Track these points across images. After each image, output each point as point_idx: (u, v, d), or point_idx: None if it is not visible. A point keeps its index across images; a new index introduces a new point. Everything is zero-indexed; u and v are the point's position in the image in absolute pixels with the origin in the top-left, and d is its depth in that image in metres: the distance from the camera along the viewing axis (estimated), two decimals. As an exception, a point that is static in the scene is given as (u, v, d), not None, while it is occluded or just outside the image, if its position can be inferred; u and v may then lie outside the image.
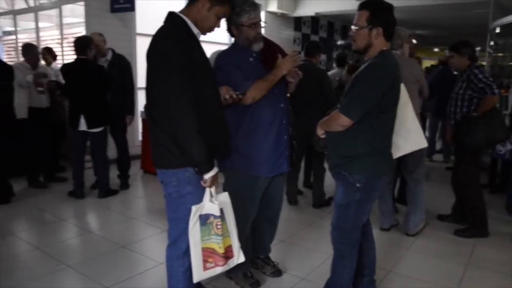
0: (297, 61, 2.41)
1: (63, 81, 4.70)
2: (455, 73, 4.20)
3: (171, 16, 2.00)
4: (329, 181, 4.12)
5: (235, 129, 2.41)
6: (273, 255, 3.01)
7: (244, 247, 2.22)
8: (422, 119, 4.84)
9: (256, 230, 2.82)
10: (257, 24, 2.42)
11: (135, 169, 5.53)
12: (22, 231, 3.81)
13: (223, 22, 2.16)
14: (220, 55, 2.57)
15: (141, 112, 5.79)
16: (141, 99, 6.14)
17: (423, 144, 2.48)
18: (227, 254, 2.05)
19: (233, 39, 2.56)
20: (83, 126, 4.39)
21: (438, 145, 7.19)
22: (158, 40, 1.92)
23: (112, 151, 4.96)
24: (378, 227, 3.74)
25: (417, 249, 3.47)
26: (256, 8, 2.42)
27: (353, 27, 2.19)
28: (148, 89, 1.97)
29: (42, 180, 5.13)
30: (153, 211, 4.27)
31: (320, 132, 2.32)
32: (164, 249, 2.18)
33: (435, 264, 3.20)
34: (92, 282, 2.82)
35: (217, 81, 2.16)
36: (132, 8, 5.83)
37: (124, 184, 4.99)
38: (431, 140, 6.61)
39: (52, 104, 5.11)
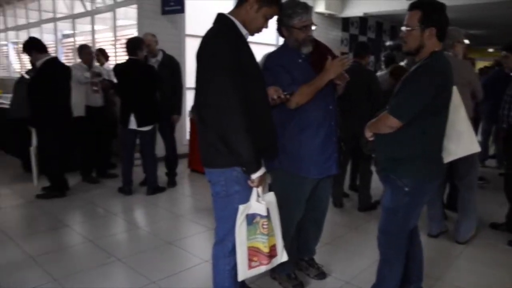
0: (345, 64, 2.38)
1: (115, 81, 4.89)
2: (511, 74, 4.01)
3: (220, 17, 2.03)
4: (375, 184, 4.04)
5: (282, 129, 2.42)
6: (317, 258, 3.00)
7: (288, 248, 2.23)
8: (475, 123, 4.65)
9: (301, 232, 2.82)
10: (308, 27, 2.42)
11: (182, 167, 5.66)
12: (76, 223, 4.00)
13: (271, 23, 2.17)
14: (269, 56, 2.59)
15: (189, 111, 5.91)
16: (189, 99, 6.26)
17: (476, 149, 2.38)
18: (272, 253, 2.06)
19: (281, 40, 2.58)
20: (133, 124, 4.54)
21: (492, 150, 6.88)
22: (208, 41, 1.96)
23: (160, 150, 5.10)
24: (426, 233, 3.63)
25: (467, 258, 3.34)
26: (308, 10, 2.42)
27: (404, 28, 2.14)
28: (198, 89, 2.00)
29: (95, 175, 5.36)
30: (199, 209, 4.35)
31: (369, 134, 2.28)
32: (209, 247, 2.22)
33: (486, 274, 3.07)
34: (139, 275, 2.92)
35: (266, 81, 2.18)
36: (182, 10, 5.97)
37: (172, 182, 5.12)
38: (484, 145, 6.34)
39: (106, 103, 5.34)
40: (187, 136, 6.16)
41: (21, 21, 9.66)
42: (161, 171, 5.05)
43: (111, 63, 6.40)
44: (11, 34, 10.41)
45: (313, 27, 2.45)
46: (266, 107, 2.12)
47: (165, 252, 3.32)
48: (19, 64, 10.30)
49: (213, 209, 2.15)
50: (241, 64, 1.91)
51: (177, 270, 3.03)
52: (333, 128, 2.54)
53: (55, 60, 4.66)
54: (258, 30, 2.08)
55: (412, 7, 2.12)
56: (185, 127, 6.39)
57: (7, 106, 5.77)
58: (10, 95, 6.31)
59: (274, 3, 2.04)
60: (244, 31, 2.03)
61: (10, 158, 6.51)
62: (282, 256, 2.13)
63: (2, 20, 10.53)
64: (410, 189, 2.14)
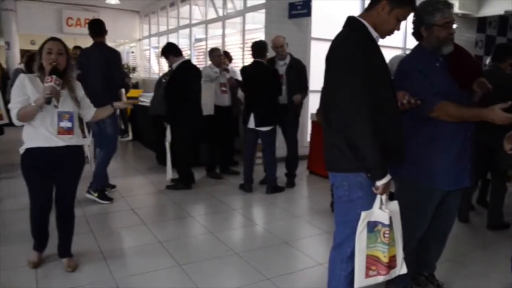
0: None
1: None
2: None
3: (351, 20, 2.00)
4: (509, 200, 3.62)
5: (412, 136, 2.27)
6: (437, 274, 2.77)
7: (407, 260, 2.09)
8: None
9: (422, 245, 2.62)
10: (450, 24, 2.25)
11: (302, 169, 5.68)
12: (199, 215, 4.25)
13: (403, 25, 2.06)
14: (404, 59, 2.46)
15: (312, 114, 5.92)
16: (312, 102, 6.27)
17: None
18: (391, 263, 1.96)
19: (409, 43, 2.43)
20: (251, 124, 4.71)
21: None
22: (338, 44, 1.94)
23: (281, 150, 5.18)
24: None
25: None
26: (450, 6, 2.27)
27: None
28: (326, 91, 1.99)
29: (218, 172, 5.65)
30: (316, 212, 4.33)
31: (508, 147, 2.04)
32: (325, 250, 2.19)
33: None
34: (255, 271, 2.99)
35: (397, 85, 2.08)
36: (308, 14, 6.01)
37: (291, 182, 5.17)
38: None
39: (232, 102, 5.60)
40: (308, 138, 6.17)
41: (162, 28, 10.62)
42: (281, 171, 5.13)
43: (237, 65, 6.70)
44: (153, 40, 11.51)
45: (454, 25, 2.28)
46: (394, 111, 2.02)
47: (281, 251, 3.36)
48: (158, 66, 11.34)
49: (334, 212, 2.12)
50: (371, 68, 1.86)
51: (291, 269, 3.04)
52: (469, 138, 2.32)
53: (188, 62, 5.04)
54: (390, 32, 2.00)
55: None
56: (306, 129, 6.41)
57: (147, 104, 6.38)
58: (149, 94, 6.99)
59: (408, 3, 1.95)
60: (374, 34, 1.97)
61: (147, 150, 7.21)
62: (402, 268, 2.02)
63: (147, 28, 11.70)
64: None
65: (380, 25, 1.95)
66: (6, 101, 4.80)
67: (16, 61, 9.82)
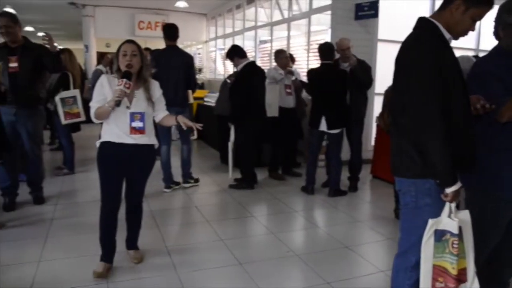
0: None
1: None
2: None
3: (422, 21, 1.93)
4: None
5: (485, 144, 2.14)
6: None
7: (478, 275, 1.99)
8: None
9: (494, 259, 2.48)
10: None
11: (365, 173, 5.57)
12: (260, 215, 4.30)
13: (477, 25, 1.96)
14: (480, 61, 2.33)
15: (376, 117, 5.78)
16: (377, 104, 6.14)
17: None
18: (460, 277, 1.86)
19: (483, 45, 2.30)
20: (323, 126, 4.67)
21: None
22: (409, 46, 1.88)
23: (345, 153, 5.12)
24: None
25: None
26: None
27: None
28: (395, 95, 1.95)
29: (281, 173, 5.68)
30: (378, 217, 4.23)
31: None
32: (387, 257, 2.15)
33: None
34: (314, 274, 2.98)
35: (469, 89, 1.98)
36: (375, 15, 5.88)
37: (353, 186, 5.09)
38: None
39: (297, 104, 5.60)
40: (372, 142, 6.04)
41: (228, 30, 10.85)
42: (344, 175, 5.06)
43: (301, 67, 6.69)
44: (219, 41, 11.78)
45: None
46: (466, 116, 1.92)
47: (341, 255, 3.32)
48: (223, 67, 11.59)
49: (400, 219, 2.07)
50: (443, 71, 1.79)
51: (352, 275, 3.00)
52: None
53: (253, 64, 5.12)
54: (464, 33, 1.91)
55: None
56: (371, 133, 6.27)
57: (212, 104, 6.55)
58: (214, 94, 7.17)
59: (485, 3, 1.84)
60: (447, 35, 1.89)
61: (211, 150, 7.40)
62: (473, 283, 1.91)
63: (213, 30, 12.00)
64: None
65: (453, 25, 1.87)
66: (85, 100, 5.16)
67: (93, 63, 10.54)
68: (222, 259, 3.19)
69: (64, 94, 5.12)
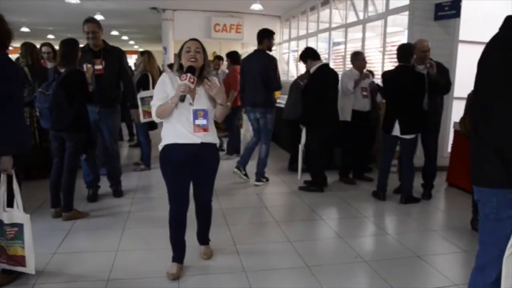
0: None
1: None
2: None
3: (509, 21, 1.80)
4: None
5: None
6: None
7: None
8: None
9: None
10: None
11: (440, 180, 5.34)
12: (329, 218, 4.28)
13: None
14: None
15: (454, 122, 5.52)
16: (455, 109, 5.86)
17: None
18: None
19: None
20: (396, 131, 4.54)
21: None
22: (495, 48, 1.78)
23: (418, 159, 4.94)
24: None
25: None
26: None
27: None
28: (477, 100, 1.86)
29: (351, 177, 5.60)
30: (453, 227, 4.04)
31: None
32: (463, 270, 2.06)
33: None
34: (384, 282, 2.91)
35: None
36: (457, 15, 5.61)
37: (427, 194, 4.89)
38: None
39: (372, 108, 5.49)
40: (449, 148, 5.77)
41: (302, 32, 10.85)
42: (417, 182, 4.88)
43: (375, 69, 6.53)
44: (293, 43, 11.81)
45: None
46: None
47: (413, 265, 3.21)
48: (296, 69, 11.61)
49: (478, 231, 1.97)
50: None
51: (422, 286, 2.90)
52: None
53: (326, 66, 5.10)
54: None
55: None
56: (448, 138, 5.99)
57: (282, 106, 6.59)
58: (285, 96, 7.21)
59: None
60: None
61: (281, 151, 7.46)
62: None
63: (287, 32, 12.06)
64: None
65: None
66: None
67: (171, 64, 11.08)
68: (289, 260, 3.22)
69: (143, 93, 5.42)
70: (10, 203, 2.66)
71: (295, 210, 4.57)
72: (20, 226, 2.66)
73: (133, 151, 7.42)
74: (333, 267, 3.14)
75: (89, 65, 4.09)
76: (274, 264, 3.16)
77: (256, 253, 3.37)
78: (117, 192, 4.72)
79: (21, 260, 2.70)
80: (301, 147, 5.38)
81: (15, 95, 2.62)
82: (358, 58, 5.42)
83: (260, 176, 5.34)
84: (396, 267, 3.15)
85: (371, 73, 5.47)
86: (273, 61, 5.22)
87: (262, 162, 5.31)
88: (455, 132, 5.41)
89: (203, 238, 3.22)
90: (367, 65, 5.65)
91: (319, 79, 4.94)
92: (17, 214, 2.66)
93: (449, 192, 5.34)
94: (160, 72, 7.97)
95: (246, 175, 5.41)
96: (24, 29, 14.74)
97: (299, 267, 3.10)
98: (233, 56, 7.16)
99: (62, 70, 3.75)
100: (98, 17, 11.42)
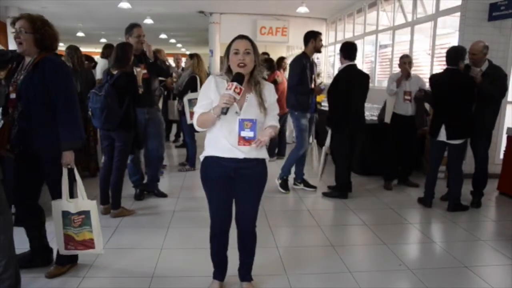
0: None
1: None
2: None
3: None
4: None
5: None
6: None
7: None
8: None
9: None
10: None
11: (490, 188, 5.12)
12: (372, 224, 4.20)
13: None
14: None
15: (508, 128, 5.29)
16: (508, 114, 5.62)
17: None
18: None
19: None
20: (442, 136, 4.41)
21: None
22: None
23: (468, 166, 4.77)
24: None
25: None
26: None
27: None
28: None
29: (396, 183, 5.48)
30: (505, 238, 3.87)
31: None
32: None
33: None
34: (429, 291, 2.84)
35: None
36: (514, 15, 5.38)
37: (476, 202, 4.71)
38: None
39: (417, 113, 5.33)
40: (501, 155, 5.53)
41: (348, 35, 10.72)
42: (466, 189, 4.72)
43: (423, 73, 6.36)
44: (339, 46, 11.67)
45: None
46: None
47: (459, 275, 3.11)
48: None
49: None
50: None
51: (471, 297, 2.81)
52: None
53: (353, 66, 4.85)
54: None
55: None
56: (500, 145, 5.75)
57: (326, 109, 6.54)
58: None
59: None
60: None
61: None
62: None
63: (333, 35, 11.95)
64: None
65: None
66: None
67: (217, 66, 11.27)
68: (331, 265, 3.21)
69: (191, 95, 5.55)
70: (70, 195, 2.83)
71: (338, 214, 4.53)
72: (87, 213, 2.85)
73: (179, 151, 7.61)
74: (376, 273, 3.11)
75: (139, 69, 4.24)
76: (316, 268, 3.17)
77: (299, 256, 3.38)
78: (159, 194, 4.81)
79: (89, 243, 2.89)
80: (324, 149, 5.31)
81: (72, 93, 2.79)
82: (404, 61, 5.30)
83: (299, 178, 5.29)
84: (442, 277, 3.07)
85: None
86: (291, 63, 5.17)
87: (289, 160, 5.16)
88: (508, 138, 5.18)
89: (245, 271, 2.76)
90: (419, 68, 5.49)
91: (343, 79, 4.78)
92: (83, 202, 2.84)
93: (500, 200, 5.12)
94: (208, 75, 8.16)
95: (309, 185, 5.30)
96: (80, 34, 15.47)
97: (341, 272, 3.09)
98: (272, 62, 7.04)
99: (115, 72, 3.92)
100: (148, 21, 11.83)
